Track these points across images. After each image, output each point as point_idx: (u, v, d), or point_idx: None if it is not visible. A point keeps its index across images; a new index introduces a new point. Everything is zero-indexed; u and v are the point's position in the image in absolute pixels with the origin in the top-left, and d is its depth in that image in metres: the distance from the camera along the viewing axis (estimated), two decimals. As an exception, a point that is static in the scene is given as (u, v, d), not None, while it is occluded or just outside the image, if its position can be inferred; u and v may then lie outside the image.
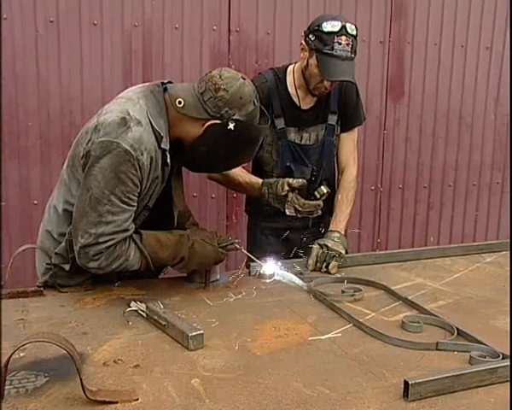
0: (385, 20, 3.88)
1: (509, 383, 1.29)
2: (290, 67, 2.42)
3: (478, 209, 4.45)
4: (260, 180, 2.27)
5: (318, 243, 2.17)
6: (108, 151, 1.64)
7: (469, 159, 4.34)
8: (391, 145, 4.07)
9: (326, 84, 2.27)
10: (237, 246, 1.95)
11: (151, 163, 1.72)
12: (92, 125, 1.73)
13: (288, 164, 2.40)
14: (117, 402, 1.18)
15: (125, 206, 1.69)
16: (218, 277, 1.99)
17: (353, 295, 1.86)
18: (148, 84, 1.86)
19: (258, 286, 1.97)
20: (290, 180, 2.15)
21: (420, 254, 2.41)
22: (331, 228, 2.28)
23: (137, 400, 1.20)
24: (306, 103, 2.41)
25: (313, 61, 2.23)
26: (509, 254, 2.36)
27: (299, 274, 2.05)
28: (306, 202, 2.16)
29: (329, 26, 2.16)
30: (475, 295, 1.96)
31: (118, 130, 1.66)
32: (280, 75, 2.42)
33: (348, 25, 2.17)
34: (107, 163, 1.64)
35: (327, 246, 2.15)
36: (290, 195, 2.15)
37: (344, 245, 2.20)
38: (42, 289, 1.82)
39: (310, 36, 2.22)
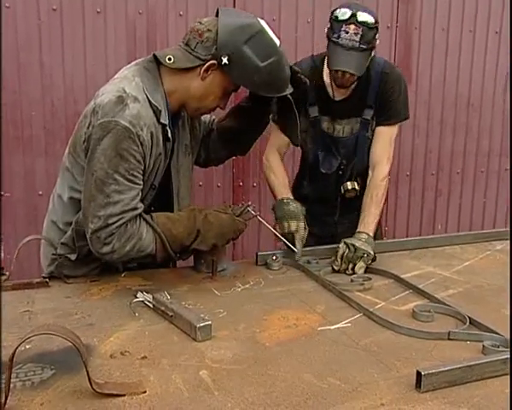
0: (392, 4, 3.83)
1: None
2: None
3: (486, 196, 4.41)
4: (281, 196, 2.24)
5: (345, 242, 2.06)
6: (108, 131, 1.62)
7: (477, 145, 4.30)
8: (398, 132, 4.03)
9: (339, 74, 2.18)
10: (252, 212, 1.90)
11: (152, 139, 1.70)
12: (90, 109, 1.71)
13: (317, 153, 2.36)
14: (124, 395, 1.17)
15: (130, 184, 1.67)
16: (226, 266, 1.97)
17: (363, 285, 1.84)
18: (141, 60, 1.83)
19: (266, 276, 1.95)
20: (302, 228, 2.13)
21: (429, 243, 2.38)
22: (359, 230, 2.15)
23: (145, 392, 1.18)
24: (340, 94, 2.32)
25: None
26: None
27: (306, 263, 2.03)
28: (301, 236, 2.11)
29: (340, 14, 2.10)
30: (486, 284, 1.93)
31: (115, 109, 1.64)
32: (317, 63, 2.35)
33: (360, 13, 2.08)
34: (107, 143, 1.62)
35: (354, 246, 2.03)
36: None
37: (372, 246, 2.05)
38: (47, 280, 1.80)
39: (328, 23, 2.17)
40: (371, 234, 2.13)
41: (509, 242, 2.38)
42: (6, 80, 3.16)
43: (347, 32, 2.08)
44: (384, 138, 2.33)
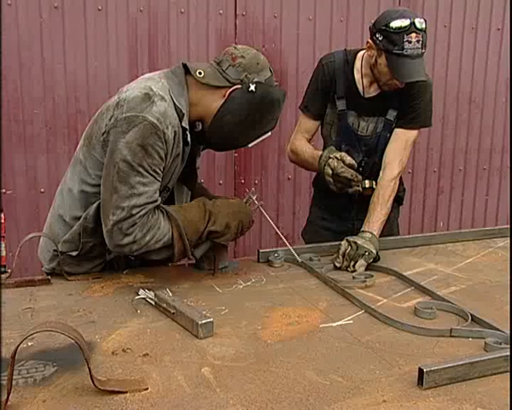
0: (393, 2, 3.82)
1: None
2: (361, 53, 2.35)
3: (488, 194, 4.41)
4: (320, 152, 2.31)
5: (347, 240, 2.06)
6: (134, 125, 1.63)
7: (480, 142, 4.29)
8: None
9: (397, 81, 2.19)
10: (255, 201, 1.91)
11: (174, 138, 1.72)
12: (113, 102, 1.73)
13: (342, 147, 2.36)
14: (126, 392, 1.17)
15: (153, 178, 1.68)
16: (227, 264, 1.97)
17: (364, 282, 1.84)
18: (167, 69, 1.87)
19: (268, 273, 1.95)
20: (344, 155, 2.20)
21: (431, 240, 2.38)
22: (363, 229, 2.15)
23: (147, 389, 1.18)
24: (369, 92, 2.33)
25: (382, 60, 2.15)
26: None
27: (308, 260, 2.03)
28: (345, 166, 2.16)
29: (398, 24, 2.07)
30: (488, 281, 1.93)
31: (142, 104, 1.65)
32: (349, 57, 2.36)
33: (417, 20, 2.07)
34: (133, 136, 1.63)
35: (356, 243, 2.03)
36: (335, 161, 2.19)
37: (375, 246, 2.05)
38: (49, 277, 1.80)
39: (377, 35, 2.14)
40: (375, 233, 2.12)
41: (510, 239, 2.38)
42: (8, 78, 3.16)
43: (410, 42, 2.07)
44: (400, 140, 2.32)
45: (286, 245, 2.08)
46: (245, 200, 1.91)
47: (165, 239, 1.73)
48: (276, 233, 2.08)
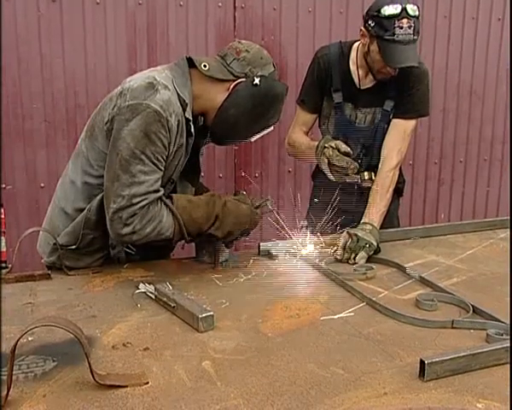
0: (393, -8, 3.80)
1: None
2: (356, 44, 2.35)
3: (489, 185, 4.39)
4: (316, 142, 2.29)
5: (348, 233, 2.05)
6: (138, 113, 1.64)
7: (480, 133, 4.28)
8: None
9: (389, 69, 2.19)
10: (270, 206, 1.93)
11: (178, 127, 1.72)
12: (116, 92, 1.73)
13: (339, 139, 2.34)
14: (127, 386, 1.16)
15: (155, 167, 1.68)
16: (228, 257, 1.96)
17: (365, 274, 1.83)
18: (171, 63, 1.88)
19: (269, 266, 1.94)
20: (339, 144, 2.18)
21: (432, 231, 2.38)
22: (363, 220, 2.15)
23: (147, 383, 1.18)
24: (365, 83, 2.33)
25: (374, 47, 2.16)
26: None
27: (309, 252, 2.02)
28: (340, 155, 2.15)
29: (389, 10, 2.07)
30: (490, 272, 1.92)
31: (146, 93, 1.66)
32: (344, 49, 2.36)
33: (409, 6, 2.08)
34: (136, 124, 1.63)
35: (357, 236, 2.03)
36: (330, 150, 2.17)
37: (376, 238, 2.06)
38: (49, 272, 1.80)
39: (369, 22, 2.14)
40: (376, 225, 2.12)
41: (512, 230, 2.37)
42: (6, 73, 3.15)
43: (401, 28, 2.07)
44: (397, 131, 2.31)
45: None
46: (257, 203, 1.90)
47: (167, 234, 1.73)
48: (277, 227, 2.08)
